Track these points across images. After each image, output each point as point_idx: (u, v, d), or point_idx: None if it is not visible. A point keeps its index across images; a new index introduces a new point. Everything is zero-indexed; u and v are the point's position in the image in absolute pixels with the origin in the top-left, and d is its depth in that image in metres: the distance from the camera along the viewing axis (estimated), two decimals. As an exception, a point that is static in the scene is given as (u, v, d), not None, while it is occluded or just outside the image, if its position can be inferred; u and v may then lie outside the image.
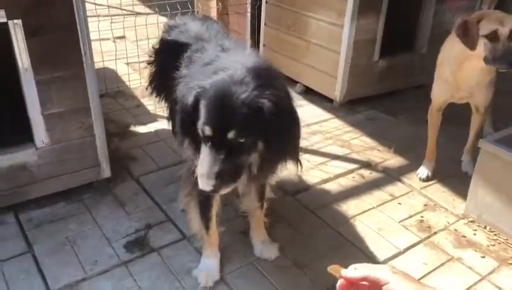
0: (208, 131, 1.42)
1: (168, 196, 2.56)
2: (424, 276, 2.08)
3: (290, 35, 3.87)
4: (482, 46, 2.29)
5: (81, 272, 2.06)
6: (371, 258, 2.15)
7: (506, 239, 2.30)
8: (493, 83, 2.57)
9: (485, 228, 2.38)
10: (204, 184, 1.40)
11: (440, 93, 2.62)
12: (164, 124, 3.08)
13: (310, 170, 2.84)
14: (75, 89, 2.37)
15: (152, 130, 3.26)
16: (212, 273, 2.02)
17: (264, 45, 4.19)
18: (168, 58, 2.20)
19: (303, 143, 2.83)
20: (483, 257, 2.21)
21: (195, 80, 1.59)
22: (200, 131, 1.47)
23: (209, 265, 2.04)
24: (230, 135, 1.39)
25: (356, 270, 0.91)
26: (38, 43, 2.18)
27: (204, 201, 1.93)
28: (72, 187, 2.54)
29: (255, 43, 4.17)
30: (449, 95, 2.59)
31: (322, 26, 3.55)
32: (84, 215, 2.42)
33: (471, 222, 2.43)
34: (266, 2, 4.04)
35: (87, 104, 2.43)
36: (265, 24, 4.11)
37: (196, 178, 1.56)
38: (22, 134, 2.38)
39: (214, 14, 4.56)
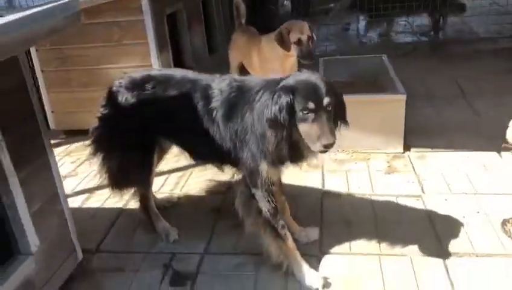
0: (311, 105, 1.97)
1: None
2: None
3: (86, 92, 4.08)
4: (294, 49, 3.51)
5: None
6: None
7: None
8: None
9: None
10: (330, 138, 1.98)
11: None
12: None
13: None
14: (44, 177, 2.23)
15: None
16: (317, 274, 2.28)
17: (52, 112, 4.20)
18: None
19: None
20: None
21: (260, 106, 2.11)
22: (301, 112, 1.99)
23: (307, 269, 2.30)
24: (325, 101, 2.00)
25: None
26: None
27: (273, 213, 2.26)
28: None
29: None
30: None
31: (127, 72, 3.98)
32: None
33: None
34: (42, 71, 4.08)
35: (55, 190, 2.30)
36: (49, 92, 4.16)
37: (257, 203, 2.19)
38: (5, 250, 2.07)
39: None
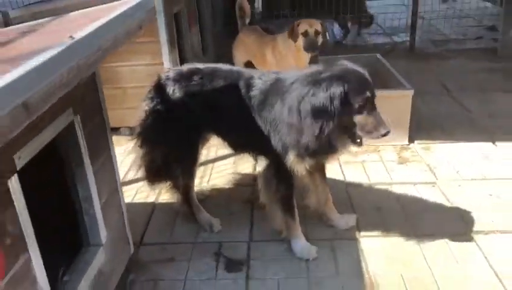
0: (368, 96, 2.10)
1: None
2: None
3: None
4: (301, 40, 3.70)
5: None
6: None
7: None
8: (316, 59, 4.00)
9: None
10: (388, 127, 2.13)
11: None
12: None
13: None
14: (109, 171, 2.28)
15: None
16: (311, 247, 2.52)
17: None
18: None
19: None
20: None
21: (305, 92, 2.18)
22: (357, 103, 2.10)
23: (304, 242, 2.53)
24: (376, 92, 2.17)
25: None
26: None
27: (289, 194, 2.46)
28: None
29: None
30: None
31: (137, 70, 4.02)
32: None
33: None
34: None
35: (116, 183, 2.35)
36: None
37: (277, 183, 2.37)
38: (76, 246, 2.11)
39: None
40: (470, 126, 4.05)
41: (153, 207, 3.09)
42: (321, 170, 2.66)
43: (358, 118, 2.18)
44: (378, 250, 2.56)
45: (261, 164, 3.10)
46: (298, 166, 2.35)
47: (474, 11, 8.64)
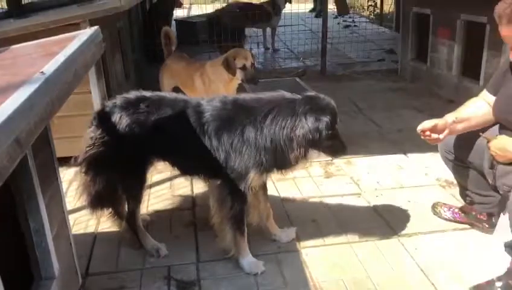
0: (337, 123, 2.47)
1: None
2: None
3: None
4: (239, 74, 3.91)
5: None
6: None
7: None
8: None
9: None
10: (346, 147, 2.53)
11: None
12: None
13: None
14: (58, 201, 2.26)
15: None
16: (258, 262, 2.66)
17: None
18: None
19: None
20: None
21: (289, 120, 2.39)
22: (334, 130, 2.44)
23: (251, 258, 2.66)
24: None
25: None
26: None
27: (242, 211, 2.58)
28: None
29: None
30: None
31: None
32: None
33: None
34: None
35: (64, 214, 2.33)
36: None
37: (231, 201, 2.51)
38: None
39: None
40: (383, 140, 4.48)
41: (94, 237, 3.05)
42: (263, 187, 2.83)
43: (329, 142, 2.48)
44: (318, 258, 2.77)
45: (199, 186, 3.29)
46: (256, 182, 2.54)
47: (374, 36, 9.50)
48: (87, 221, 3.18)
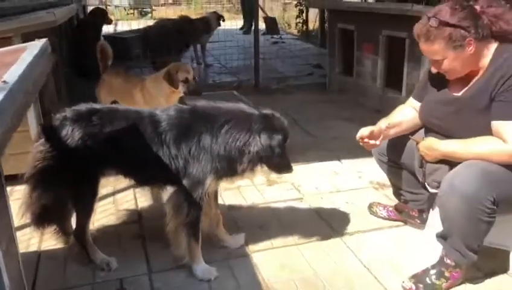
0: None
1: None
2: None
3: None
4: (181, 87, 3.97)
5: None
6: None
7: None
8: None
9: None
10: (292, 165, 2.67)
11: None
12: None
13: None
14: (6, 218, 2.18)
15: None
16: (211, 268, 2.70)
17: None
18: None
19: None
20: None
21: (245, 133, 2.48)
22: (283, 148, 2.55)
23: (204, 265, 2.70)
24: None
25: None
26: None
27: (198, 217, 2.62)
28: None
29: None
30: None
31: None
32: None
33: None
34: None
35: (12, 231, 2.25)
36: None
37: (188, 207, 2.56)
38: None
39: None
40: (319, 149, 4.72)
41: (38, 255, 2.95)
42: (215, 195, 2.90)
43: (277, 159, 2.58)
44: (268, 261, 2.88)
45: (143, 199, 3.31)
46: (212, 188, 2.64)
47: (301, 52, 9.93)
48: (29, 239, 3.08)
